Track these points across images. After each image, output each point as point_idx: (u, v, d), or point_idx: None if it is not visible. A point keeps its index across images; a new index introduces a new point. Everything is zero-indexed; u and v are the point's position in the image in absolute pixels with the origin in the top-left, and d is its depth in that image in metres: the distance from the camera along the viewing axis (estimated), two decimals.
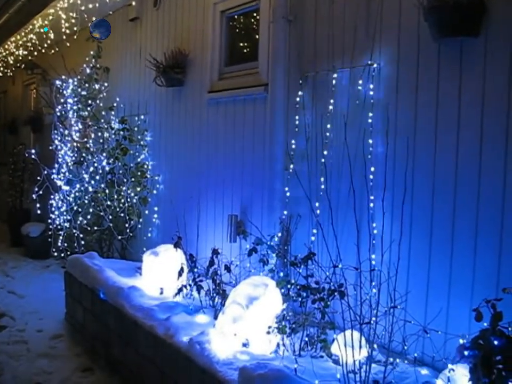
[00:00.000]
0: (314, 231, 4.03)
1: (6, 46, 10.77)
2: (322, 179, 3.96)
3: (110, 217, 6.38)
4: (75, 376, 4.31)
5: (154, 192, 6.40)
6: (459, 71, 3.22)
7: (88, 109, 6.75)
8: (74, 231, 6.41)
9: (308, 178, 4.12)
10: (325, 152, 3.97)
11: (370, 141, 3.68)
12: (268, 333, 3.45)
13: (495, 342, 2.32)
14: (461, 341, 2.75)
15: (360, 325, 3.04)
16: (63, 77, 6.90)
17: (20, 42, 9.88)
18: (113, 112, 6.81)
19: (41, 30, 7.50)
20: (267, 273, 4.10)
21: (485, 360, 2.34)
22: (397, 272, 3.18)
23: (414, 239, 3.48)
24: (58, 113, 6.80)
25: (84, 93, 6.80)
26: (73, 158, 6.68)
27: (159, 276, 4.68)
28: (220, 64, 5.42)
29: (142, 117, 6.62)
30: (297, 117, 4.26)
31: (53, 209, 6.68)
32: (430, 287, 3.38)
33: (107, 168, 6.43)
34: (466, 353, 2.44)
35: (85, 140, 6.69)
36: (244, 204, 4.93)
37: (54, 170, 6.58)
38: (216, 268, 4.26)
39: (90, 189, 6.43)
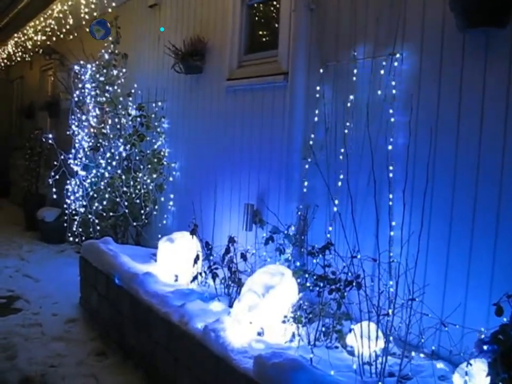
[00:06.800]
0: (332, 221, 4.01)
1: (25, 31, 10.82)
2: (341, 169, 3.92)
3: (126, 203, 6.39)
4: (89, 360, 4.34)
5: (171, 179, 6.41)
6: (484, 63, 3.16)
7: (106, 94, 6.74)
8: (89, 216, 6.44)
9: (326, 168, 4.08)
10: (345, 142, 3.93)
11: (392, 131, 3.64)
12: (284, 322, 3.44)
13: None
14: (480, 335, 2.73)
15: (378, 317, 3.02)
16: (81, 62, 6.90)
17: (39, 27, 9.92)
18: (130, 99, 6.81)
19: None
20: (283, 263, 4.08)
21: (505, 355, 2.31)
22: (416, 264, 3.14)
23: (433, 231, 3.44)
24: (76, 99, 6.80)
25: (101, 78, 6.80)
26: (90, 144, 6.69)
27: (174, 262, 4.68)
28: (239, 52, 5.39)
29: (160, 103, 6.63)
30: (317, 106, 4.22)
31: (69, 194, 6.70)
32: (448, 280, 3.35)
33: (124, 154, 6.44)
34: (485, 347, 2.41)
35: (102, 125, 6.70)
36: (261, 192, 4.91)
37: (70, 156, 6.59)
38: (232, 256, 4.25)
39: (106, 174, 6.44)
